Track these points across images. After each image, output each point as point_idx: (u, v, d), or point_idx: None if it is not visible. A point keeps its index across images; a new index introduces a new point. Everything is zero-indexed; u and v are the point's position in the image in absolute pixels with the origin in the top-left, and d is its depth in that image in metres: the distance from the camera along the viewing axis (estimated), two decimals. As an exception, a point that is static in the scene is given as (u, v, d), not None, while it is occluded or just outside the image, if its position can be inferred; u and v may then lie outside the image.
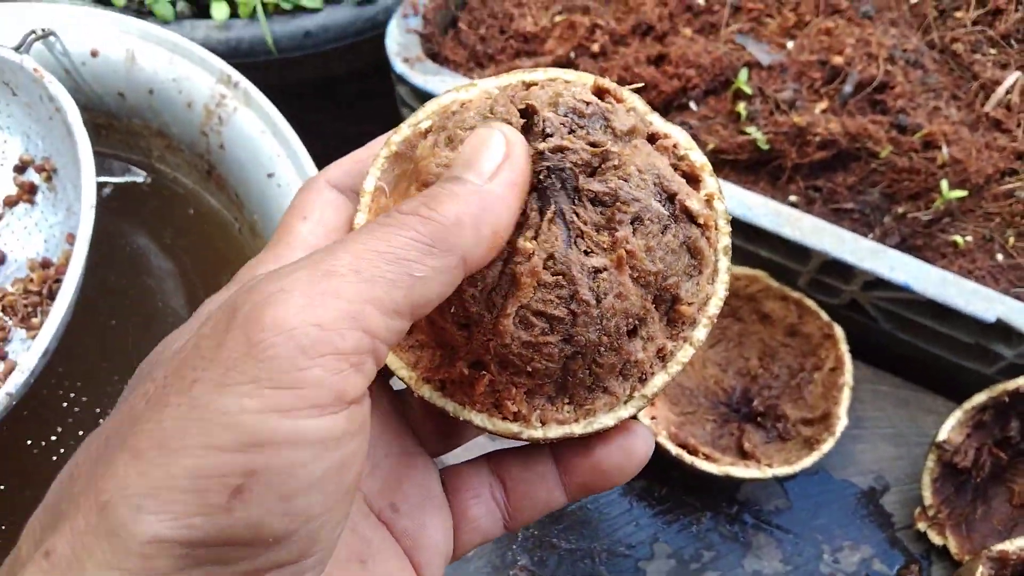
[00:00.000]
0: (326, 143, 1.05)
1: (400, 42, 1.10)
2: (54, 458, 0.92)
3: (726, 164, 1.09)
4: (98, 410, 0.96)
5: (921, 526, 0.91)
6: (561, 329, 0.40)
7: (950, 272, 0.93)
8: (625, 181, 0.40)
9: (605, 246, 0.40)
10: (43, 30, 0.99)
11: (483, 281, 0.39)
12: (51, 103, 0.91)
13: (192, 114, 1.02)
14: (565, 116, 0.41)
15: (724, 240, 0.44)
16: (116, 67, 1.03)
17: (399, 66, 1.07)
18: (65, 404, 0.96)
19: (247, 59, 1.19)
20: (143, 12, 1.20)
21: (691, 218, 0.42)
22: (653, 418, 0.91)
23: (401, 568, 0.43)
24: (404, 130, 0.44)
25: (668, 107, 1.12)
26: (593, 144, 0.41)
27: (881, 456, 0.98)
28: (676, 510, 0.94)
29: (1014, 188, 1.03)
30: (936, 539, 0.90)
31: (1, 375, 0.86)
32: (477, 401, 0.42)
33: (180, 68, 1.02)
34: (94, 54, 1.02)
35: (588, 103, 0.42)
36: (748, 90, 1.09)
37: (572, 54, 1.14)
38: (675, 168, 0.44)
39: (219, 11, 1.19)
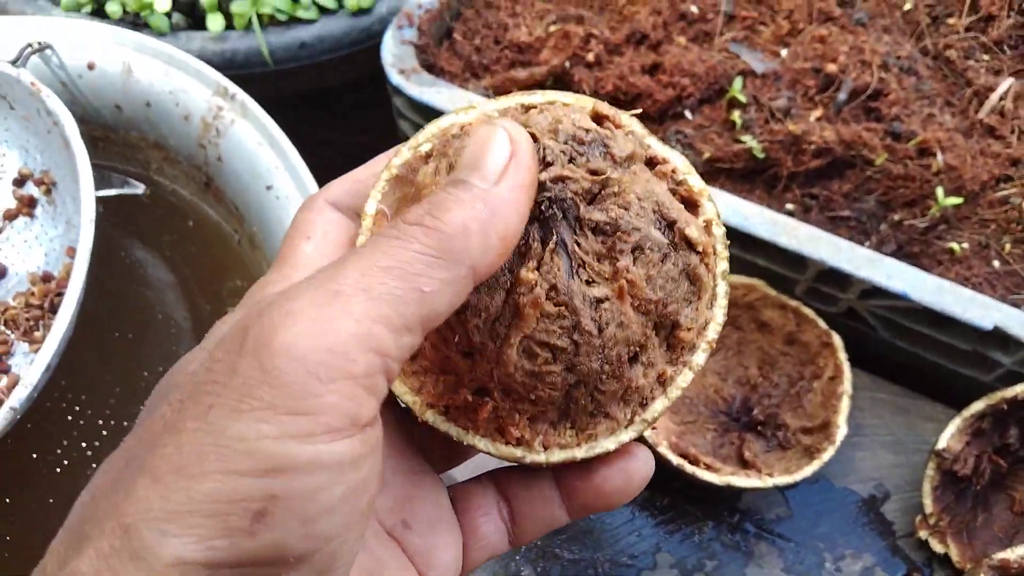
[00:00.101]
0: (323, 154, 1.05)
1: (395, 53, 1.10)
2: (58, 470, 0.93)
3: (722, 173, 1.09)
4: (100, 422, 0.96)
5: (922, 534, 0.91)
6: (564, 359, 0.40)
7: (947, 279, 0.93)
8: (625, 210, 0.41)
9: (606, 275, 0.40)
10: (39, 43, 0.99)
11: (486, 311, 0.39)
12: (49, 117, 0.91)
13: (189, 126, 1.02)
14: (565, 144, 0.41)
15: (722, 265, 0.44)
16: (113, 80, 1.03)
17: (395, 77, 1.07)
18: (69, 417, 0.96)
19: (243, 71, 1.19)
20: (139, 24, 1.21)
21: (690, 246, 0.42)
22: (654, 428, 0.91)
23: None
24: (405, 153, 0.44)
25: (663, 116, 1.13)
26: (593, 172, 0.41)
27: (881, 464, 0.99)
28: (678, 520, 0.94)
29: (1009, 194, 1.04)
30: (937, 547, 0.90)
31: (5, 389, 0.86)
32: (480, 426, 0.42)
33: (176, 80, 1.02)
34: (90, 67, 1.02)
35: (588, 130, 0.42)
36: (743, 98, 1.10)
37: (567, 64, 1.15)
38: (674, 193, 0.44)
39: (215, 23, 1.19)
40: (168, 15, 1.20)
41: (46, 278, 0.94)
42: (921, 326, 0.96)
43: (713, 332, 0.44)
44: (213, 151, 1.01)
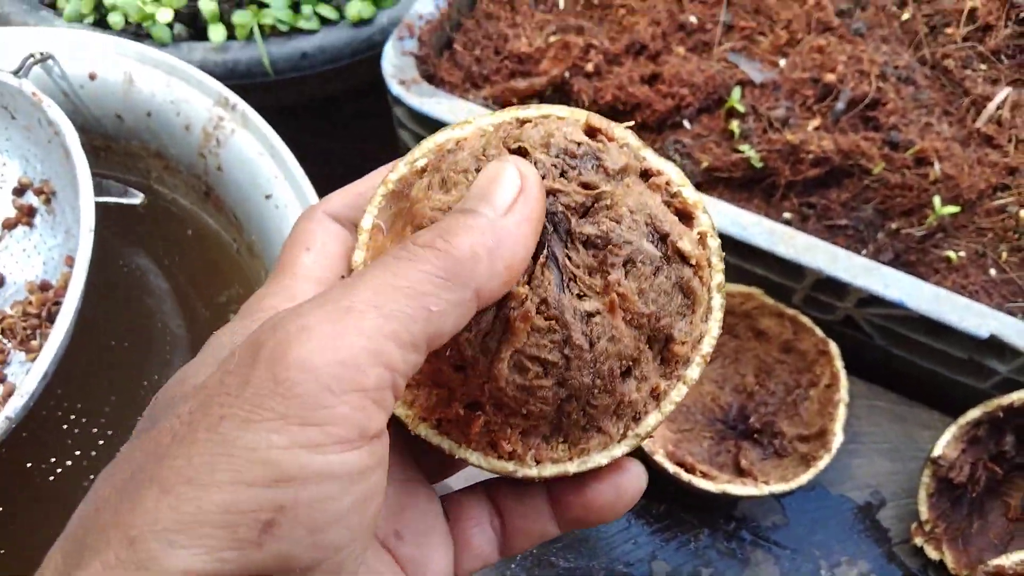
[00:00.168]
0: (324, 163, 1.06)
1: (396, 64, 1.11)
2: (51, 479, 0.93)
3: (720, 182, 1.10)
4: (96, 431, 0.96)
5: (918, 541, 0.91)
6: (555, 373, 0.40)
7: (944, 288, 0.93)
8: (617, 223, 0.41)
9: (598, 289, 0.40)
10: (41, 54, 1.00)
11: (477, 326, 0.40)
12: (50, 127, 0.92)
13: (190, 136, 1.02)
14: (556, 157, 0.41)
15: (718, 277, 0.44)
16: (114, 90, 1.04)
17: (395, 88, 1.08)
18: (65, 426, 0.96)
19: (244, 80, 1.20)
20: (140, 35, 1.21)
21: (683, 259, 0.42)
22: (651, 436, 0.91)
23: None
24: (401, 168, 0.45)
25: (662, 126, 1.13)
26: (585, 185, 0.41)
27: (878, 471, 0.99)
28: (674, 527, 0.95)
29: (1006, 203, 1.04)
30: (933, 554, 0.90)
31: (0, 399, 0.86)
32: (473, 440, 0.42)
33: (178, 90, 1.02)
34: (92, 77, 1.03)
35: (579, 143, 0.42)
36: (741, 108, 1.10)
37: (566, 74, 1.15)
38: (668, 205, 0.44)
39: (216, 33, 1.20)
40: (170, 26, 1.21)
41: (44, 287, 0.95)
42: (918, 334, 0.96)
43: (708, 346, 0.44)
44: (213, 161, 1.01)
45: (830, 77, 1.10)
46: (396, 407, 0.43)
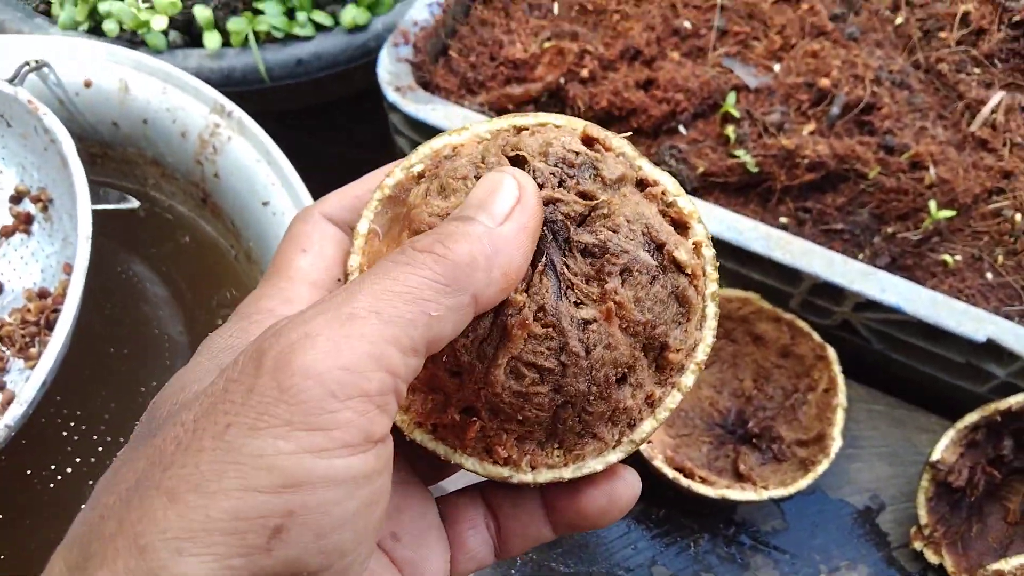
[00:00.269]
0: (320, 169, 1.06)
1: (391, 71, 1.11)
2: (51, 485, 0.92)
3: (716, 187, 1.10)
4: (95, 437, 0.96)
5: (917, 545, 0.91)
6: (551, 380, 0.40)
7: (940, 292, 0.94)
8: (614, 232, 0.41)
9: (595, 297, 0.41)
10: (37, 61, 1.00)
11: (474, 332, 0.40)
12: (46, 134, 0.92)
13: (186, 143, 1.02)
14: (555, 166, 0.42)
15: (712, 286, 0.44)
16: (110, 97, 1.04)
17: (391, 95, 1.08)
18: (64, 432, 0.96)
19: (240, 87, 1.20)
20: (135, 42, 1.21)
21: (679, 268, 0.43)
22: (649, 441, 0.91)
23: None
24: (397, 173, 0.45)
25: (657, 131, 1.13)
26: (583, 195, 0.42)
27: (876, 475, 0.99)
28: (674, 532, 0.95)
29: (1001, 207, 1.04)
30: (932, 558, 0.91)
31: (0, 406, 0.86)
32: (468, 445, 0.43)
33: (173, 98, 1.02)
34: (87, 85, 1.03)
35: (577, 152, 0.42)
36: (736, 113, 1.10)
37: (562, 80, 1.15)
38: (663, 215, 0.44)
39: (211, 40, 1.20)
40: (165, 33, 1.21)
41: (42, 294, 0.95)
42: (915, 339, 0.96)
43: (702, 353, 0.44)
44: (210, 167, 1.01)
45: (824, 82, 1.11)
46: None
